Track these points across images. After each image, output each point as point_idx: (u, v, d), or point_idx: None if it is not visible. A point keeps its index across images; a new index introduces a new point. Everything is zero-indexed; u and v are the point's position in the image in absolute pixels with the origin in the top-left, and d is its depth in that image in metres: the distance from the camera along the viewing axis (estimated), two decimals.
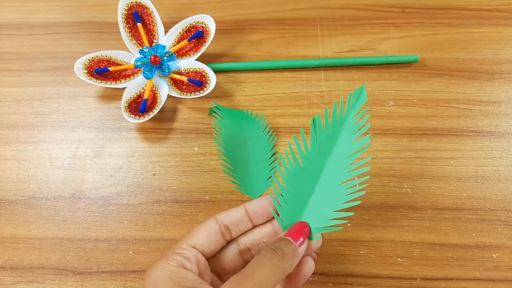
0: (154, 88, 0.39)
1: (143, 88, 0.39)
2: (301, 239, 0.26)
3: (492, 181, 0.36)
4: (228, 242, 0.29)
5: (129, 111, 0.37)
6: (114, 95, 0.41)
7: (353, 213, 0.26)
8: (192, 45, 0.40)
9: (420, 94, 0.39)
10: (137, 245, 0.34)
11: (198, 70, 0.39)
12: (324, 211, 0.27)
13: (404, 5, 0.45)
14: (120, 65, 0.39)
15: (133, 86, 0.39)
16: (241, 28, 0.43)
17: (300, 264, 0.26)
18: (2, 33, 0.44)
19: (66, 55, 0.43)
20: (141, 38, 0.40)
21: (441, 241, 0.34)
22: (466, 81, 0.40)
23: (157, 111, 0.36)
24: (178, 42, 0.40)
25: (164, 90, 0.38)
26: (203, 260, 0.26)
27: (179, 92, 0.38)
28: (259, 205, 0.28)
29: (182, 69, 0.40)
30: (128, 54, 0.40)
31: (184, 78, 0.39)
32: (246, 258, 0.28)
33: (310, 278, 0.33)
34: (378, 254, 0.33)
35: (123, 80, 0.39)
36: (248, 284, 0.22)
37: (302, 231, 0.26)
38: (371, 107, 0.39)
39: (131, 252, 0.34)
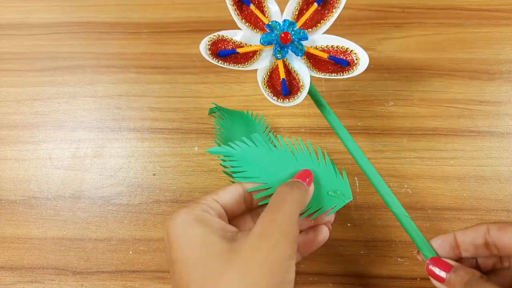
0: (290, 66, 0.33)
1: (272, 66, 0.33)
2: (308, 180, 0.28)
3: (492, 181, 0.35)
4: (249, 210, 0.30)
5: (270, 91, 0.31)
6: (113, 95, 0.41)
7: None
8: (318, 12, 0.33)
9: (420, 94, 0.39)
10: (137, 245, 0.34)
11: (339, 48, 0.33)
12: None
13: (404, 5, 0.44)
14: (246, 46, 0.33)
15: (263, 67, 0.33)
16: None
17: (316, 230, 0.29)
18: (2, 33, 0.44)
19: (66, 55, 0.43)
20: (256, 19, 0.34)
21: None
22: (466, 81, 0.40)
23: (305, 92, 0.31)
24: (301, 12, 0.33)
25: (303, 69, 0.32)
26: (224, 215, 0.27)
27: (318, 71, 0.32)
28: None
29: (316, 46, 0.33)
30: (244, 33, 0.33)
31: (324, 55, 0.32)
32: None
33: (310, 278, 0.33)
34: (378, 254, 0.33)
35: (252, 60, 0.33)
36: (281, 218, 0.23)
37: (308, 174, 0.29)
38: (371, 107, 0.39)
39: (131, 252, 0.34)
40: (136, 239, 0.35)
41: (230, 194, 0.28)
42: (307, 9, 0.34)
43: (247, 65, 0.33)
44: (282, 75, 0.32)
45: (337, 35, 0.43)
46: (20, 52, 0.43)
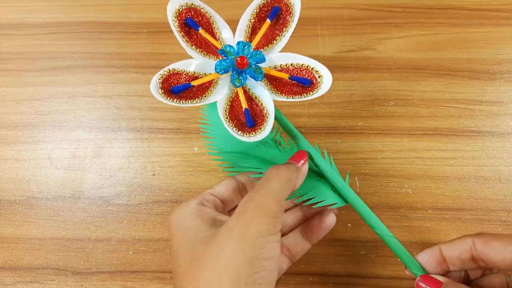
0: (250, 92, 0.30)
1: (231, 95, 0.29)
2: (302, 161, 0.28)
3: (492, 181, 0.35)
4: None
5: (234, 126, 0.27)
6: (113, 95, 0.40)
7: None
8: (271, 29, 0.31)
9: (420, 94, 0.39)
10: (137, 245, 0.34)
11: (298, 66, 0.30)
12: None
13: (405, 5, 0.44)
14: (201, 77, 0.29)
15: (224, 97, 0.29)
16: None
17: (323, 215, 0.29)
18: (2, 33, 0.44)
19: (65, 55, 0.43)
20: (207, 44, 0.30)
21: (441, 241, 0.33)
22: (466, 81, 0.40)
23: (270, 122, 0.27)
24: (254, 30, 0.30)
25: (264, 94, 0.29)
26: (220, 206, 0.29)
27: (280, 94, 0.29)
28: None
29: (274, 66, 0.30)
30: (197, 62, 0.30)
31: (285, 75, 0.29)
32: None
33: (310, 278, 0.33)
34: (379, 254, 0.33)
35: (209, 92, 0.29)
36: (260, 196, 0.24)
37: (302, 155, 0.29)
38: (371, 107, 0.39)
39: (130, 252, 0.34)
40: (135, 239, 0.34)
41: (225, 186, 0.30)
42: (260, 27, 0.30)
43: (204, 98, 0.29)
44: (244, 104, 0.28)
45: (337, 35, 0.43)
46: (20, 52, 0.43)
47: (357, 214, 0.35)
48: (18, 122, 0.40)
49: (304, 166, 0.28)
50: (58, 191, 0.36)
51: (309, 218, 0.30)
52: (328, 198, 0.30)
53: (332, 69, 0.41)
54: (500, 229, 0.34)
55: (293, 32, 0.42)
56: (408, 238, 0.34)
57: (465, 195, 0.35)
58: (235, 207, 0.30)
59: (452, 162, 0.36)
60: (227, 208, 0.30)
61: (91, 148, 0.38)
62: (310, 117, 0.39)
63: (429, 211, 0.35)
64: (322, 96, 0.39)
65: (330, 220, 0.29)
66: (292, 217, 0.30)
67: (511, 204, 0.35)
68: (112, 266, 0.34)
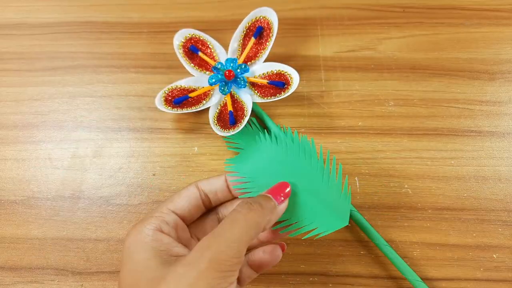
0: (236, 97, 0.38)
1: (223, 101, 0.38)
2: (282, 197, 0.25)
3: (492, 181, 0.35)
4: (209, 210, 0.29)
5: (220, 126, 0.36)
6: (113, 95, 0.40)
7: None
8: (256, 44, 0.39)
9: (420, 94, 0.39)
10: None
11: (276, 72, 0.38)
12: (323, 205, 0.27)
13: (405, 5, 0.44)
14: (197, 90, 0.38)
15: (215, 104, 0.38)
16: None
17: (269, 248, 0.27)
18: (2, 33, 0.44)
19: (66, 55, 0.43)
20: (206, 64, 0.39)
21: (441, 241, 0.34)
22: (466, 81, 0.40)
23: (246, 119, 0.35)
24: (243, 46, 0.39)
25: (247, 97, 0.37)
26: (181, 225, 0.26)
27: (261, 96, 0.37)
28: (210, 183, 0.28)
29: (258, 75, 0.39)
30: (196, 78, 0.39)
31: (264, 81, 0.37)
32: None
33: (310, 278, 0.33)
34: (379, 254, 0.33)
35: (204, 101, 0.38)
36: (218, 245, 0.21)
37: (283, 190, 0.26)
38: (371, 107, 0.39)
39: None
40: None
41: (187, 199, 0.27)
42: (247, 44, 0.39)
43: (200, 106, 0.37)
44: (230, 107, 0.37)
45: (337, 35, 0.43)
46: (19, 52, 0.43)
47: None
48: (18, 122, 0.40)
49: (282, 205, 0.25)
50: (58, 191, 0.36)
51: (255, 247, 0.28)
52: (314, 219, 0.27)
53: (332, 69, 0.41)
54: (500, 229, 0.34)
55: (293, 32, 0.43)
56: (408, 238, 0.34)
57: (465, 195, 0.35)
58: (197, 217, 0.28)
59: (452, 162, 0.36)
60: (188, 223, 0.27)
61: (91, 148, 0.38)
62: (310, 117, 0.39)
63: (429, 211, 0.35)
64: (322, 96, 0.40)
65: (277, 254, 0.27)
66: None
67: (511, 204, 0.35)
68: (112, 266, 0.34)
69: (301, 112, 0.39)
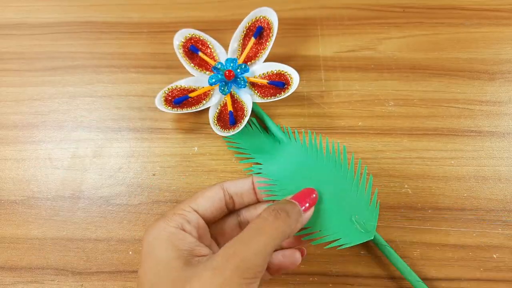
0: (236, 97, 0.38)
1: (223, 101, 0.38)
2: (307, 204, 0.25)
3: (492, 181, 0.35)
4: (231, 212, 0.28)
5: (220, 126, 0.35)
6: (113, 95, 0.40)
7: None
8: (256, 44, 0.39)
9: (420, 94, 0.39)
10: (137, 245, 0.34)
11: (276, 72, 0.38)
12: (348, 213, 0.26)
13: (405, 5, 0.44)
14: (197, 90, 0.38)
15: (215, 104, 0.38)
16: None
17: (289, 251, 0.26)
18: (2, 33, 0.44)
19: (66, 55, 0.43)
20: (206, 64, 0.39)
21: (441, 241, 0.34)
22: (466, 81, 0.40)
23: (246, 119, 0.34)
24: (243, 46, 0.39)
25: (247, 97, 0.37)
26: (203, 225, 0.26)
27: (261, 96, 0.37)
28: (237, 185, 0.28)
29: (258, 75, 0.39)
30: (196, 78, 0.39)
31: (264, 81, 0.37)
32: None
33: (310, 278, 0.33)
34: (378, 254, 0.33)
35: (204, 101, 0.38)
36: (244, 253, 0.21)
37: (309, 196, 0.26)
38: (371, 107, 0.39)
39: (130, 252, 0.34)
40: (135, 239, 0.34)
41: (210, 201, 0.27)
42: (247, 44, 0.38)
43: (200, 106, 0.37)
44: (230, 107, 0.36)
45: (337, 35, 0.43)
46: (19, 52, 0.43)
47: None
48: (18, 122, 0.40)
49: (308, 212, 0.25)
50: (58, 191, 0.36)
51: (280, 249, 0.27)
52: (338, 229, 0.26)
53: (332, 69, 0.41)
54: (500, 229, 0.34)
55: (293, 32, 0.43)
56: (408, 238, 0.34)
57: (465, 195, 0.35)
58: (219, 219, 0.28)
59: (452, 162, 0.36)
60: (208, 223, 0.27)
61: (91, 148, 0.38)
62: (310, 117, 0.39)
63: (429, 211, 0.35)
64: (322, 96, 0.40)
65: (296, 258, 0.26)
66: None
67: (511, 204, 0.35)
68: (112, 266, 0.34)
69: (301, 112, 0.39)
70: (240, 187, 0.28)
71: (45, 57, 0.43)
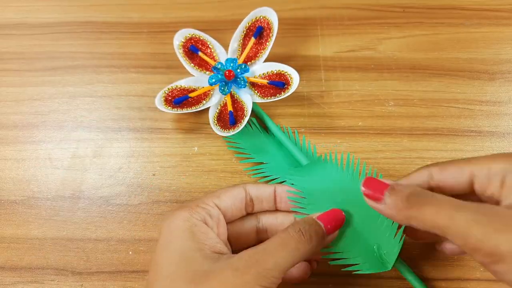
0: (236, 97, 0.38)
1: (223, 101, 0.38)
2: (333, 226, 0.25)
3: None
4: (248, 215, 0.29)
5: (220, 126, 0.35)
6: (113, 95, 0.40)
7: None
8: (256, 44, 0.39)
9: (420, 94, 0.39)
10: (137, 245, 0.34)
11: (276, 72, 0.38)
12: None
13: (405, 5, 0.44)
14: (197, 90, 0.38)
15: (215, 104, 0.38)
16: None
17: (301, 267, 0.27)
18: (2, 33, 0.44)
19: (66, 55, 0.43)
20: (206, 64, 0.39)
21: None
22: (466, 81, 0.40)
23: (246, 119, 0.35)
24: (243, 46, 0.39)
25: (247, 97, 0.37)
26: (223, 222, 0.26)
27: (261, 96, 0.37)
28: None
29: (258, 75, 0.39)
30: (196, 78, 0.39)
31: (264, 81, 0.37)
32: (260, 237, 0.29)
33: (310, 278, 0.33)
34: None
35: (204, 101, 0.38)
36: (266, 263, 0.22)
37: (337, 218, 0.26)
38: (371, 107, 0.39)
39: (130, 252, 0.34)
40: (135, 239, 0.34)
41: (233, 199, 0.27)
42: (247, 44, 0.38)
43: (200, 106, 0.37)
44: (230, 107, 0.36)
45: (337, 35, 0.43)
46: (19, 52, 0.43)
47: None
48: (18, 122, 0.40)
49: (331, 235, 0.26)
50: (58, 191, 0.36)
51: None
52: (358, 255, 0.27)
53: (332, 69, 0.41)
54: None
55: (293, 32, 0.43)
56: (408, 238, 0.34)
57: None
58: (236, 219, 0.28)
59: None
60: (227, 220, 0.28)
61: (91, 148, 0.38)
62: (310, 117, 0.39)
63: None
64: (322, 96, 0.40)
65: (307, 272, 0.28)
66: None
67: None
68: (112, 266, 0.34)
69: (301, 112, 0.39)
70: (262, 192, 0.29)
71: (45, 57, 0.43)
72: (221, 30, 0.43)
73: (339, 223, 0.26)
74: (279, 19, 0.38)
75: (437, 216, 0.21)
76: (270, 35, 0.38)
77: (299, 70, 0.37)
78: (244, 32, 0.39)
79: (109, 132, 0.39)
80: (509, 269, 0.18)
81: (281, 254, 0.23)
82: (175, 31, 0.39)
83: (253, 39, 0.38)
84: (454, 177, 0.23)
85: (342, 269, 0.27)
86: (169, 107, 0.36)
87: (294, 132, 0.35)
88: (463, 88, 0.40)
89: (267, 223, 0.29)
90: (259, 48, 0.39)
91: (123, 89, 0.41)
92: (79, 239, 0.35)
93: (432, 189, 0.24)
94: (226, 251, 0.25)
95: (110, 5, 0.46)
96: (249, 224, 0.29)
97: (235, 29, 0.39)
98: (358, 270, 0.27)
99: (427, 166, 0.25)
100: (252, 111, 0.36)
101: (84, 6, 0.46)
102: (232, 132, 0.34)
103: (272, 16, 0.38)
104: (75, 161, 0.38)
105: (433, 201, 0.21)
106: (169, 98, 0.37)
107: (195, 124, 0.39)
